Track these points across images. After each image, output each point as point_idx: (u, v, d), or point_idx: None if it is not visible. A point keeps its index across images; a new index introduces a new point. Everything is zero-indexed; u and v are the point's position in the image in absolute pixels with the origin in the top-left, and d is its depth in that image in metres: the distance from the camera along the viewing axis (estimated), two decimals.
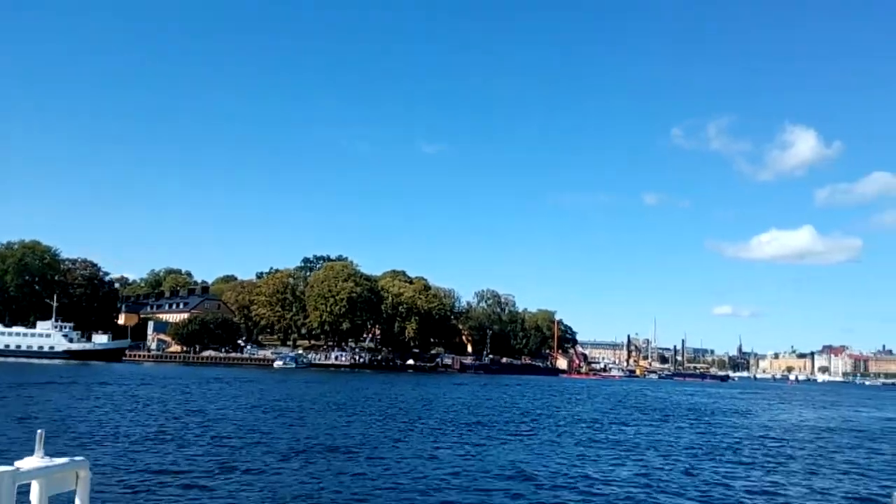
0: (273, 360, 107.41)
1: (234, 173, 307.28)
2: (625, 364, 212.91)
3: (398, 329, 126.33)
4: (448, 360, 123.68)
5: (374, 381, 73.45)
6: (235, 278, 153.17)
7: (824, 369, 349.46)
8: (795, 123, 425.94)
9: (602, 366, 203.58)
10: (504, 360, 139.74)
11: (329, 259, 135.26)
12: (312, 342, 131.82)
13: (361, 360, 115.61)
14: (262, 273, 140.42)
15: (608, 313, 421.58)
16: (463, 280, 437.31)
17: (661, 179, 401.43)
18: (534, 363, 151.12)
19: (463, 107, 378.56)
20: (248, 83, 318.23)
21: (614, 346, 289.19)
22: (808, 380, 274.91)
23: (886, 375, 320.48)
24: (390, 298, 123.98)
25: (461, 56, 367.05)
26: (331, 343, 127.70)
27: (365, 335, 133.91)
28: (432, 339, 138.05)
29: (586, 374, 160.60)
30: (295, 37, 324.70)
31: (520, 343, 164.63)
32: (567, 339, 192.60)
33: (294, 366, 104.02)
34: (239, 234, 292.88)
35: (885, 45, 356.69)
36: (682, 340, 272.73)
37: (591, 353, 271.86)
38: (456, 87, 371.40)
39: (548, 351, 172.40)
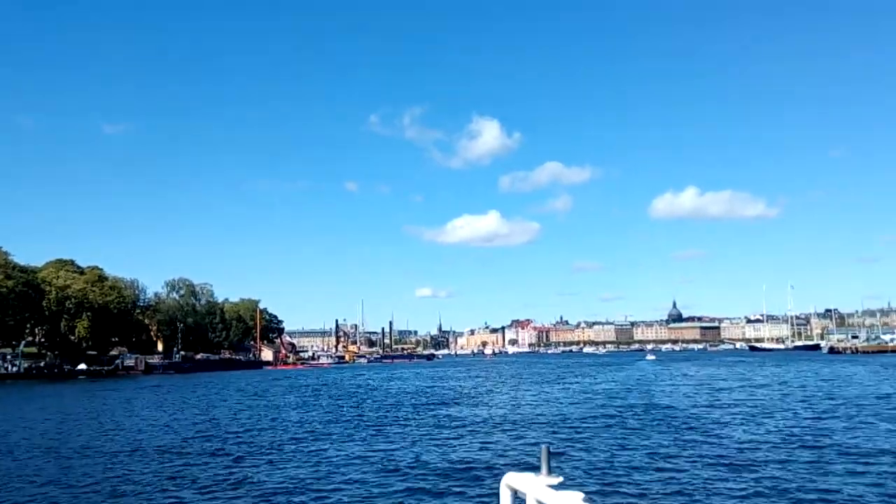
0: None
1: None
2: (334, 351, 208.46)
3: (66, 328, 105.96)
4: (131, 362, 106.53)
5: (8, 398, 57.47)
6: None
7: (513, 342, 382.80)
8: (482, 115, 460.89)
9: (311, 354, 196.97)
10: (199, 356, 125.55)
11: None
12: None
13: (15, 368, 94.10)
14: None
15: (316, 300, 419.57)
16: (152, 271, 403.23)
17: (361, 167, 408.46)
18: (235, 357, 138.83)
19: (160, 82, 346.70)
20: None
21: (323, 334, 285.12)
22: (499, 353, 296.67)
23: (565, 344, 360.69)
24: (54, 292, 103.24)
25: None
26: None
27: (24, 339, 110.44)
28: (113, 339, 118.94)
29: (294, 364, 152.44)
30: None
31: (219, 336, 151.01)
32: (273, 328, 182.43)
33: None
34: None
35: (565, 42, 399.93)
36: (390, 322, 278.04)
37: (300, 341, 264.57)
38: (154, 61, 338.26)
39: (251, 342, 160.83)
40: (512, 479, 3.69)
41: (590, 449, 20.66)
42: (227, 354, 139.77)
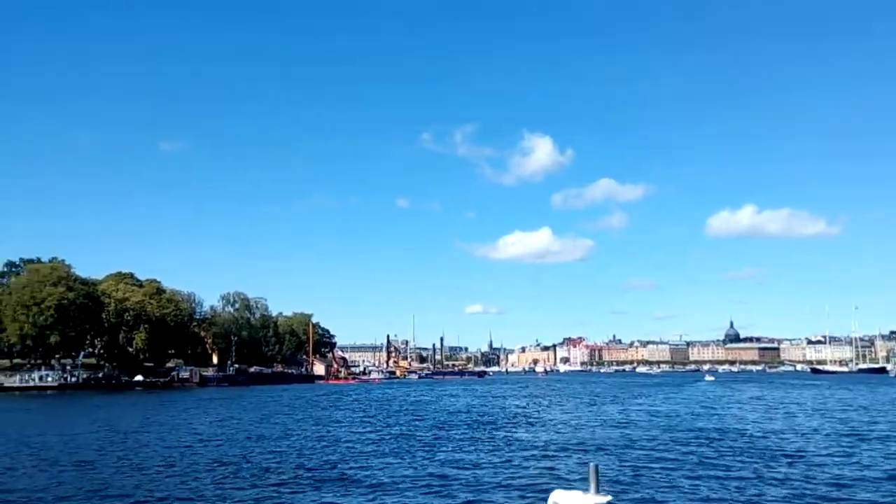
0: None
1: None
2: (385, 366, 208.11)
3: (124, 340, 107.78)
4: (186, 374, 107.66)
5: (66, 407, 58.06)
6: None
7: (565, 360, 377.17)
8: (533, 131, 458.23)
9: (362, 369, 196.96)
10: (253, 369, 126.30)
11: (39, 262, 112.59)
12: (15, 361, 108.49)
13: (74, 379, 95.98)
14: None
15: (368, 316, 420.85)
16: (209, 285, 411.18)
17: (412, 183, 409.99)
18: (287, 370, 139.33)
19: (203, 103, 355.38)
20: None
21: (374, 349, 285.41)
22: (551, 370, 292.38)
23: (618, 363, 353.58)
24: (113, 305, 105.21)
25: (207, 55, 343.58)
26: (38, 361, 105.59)
27: (83, 349, 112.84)
28: (170, 351, 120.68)
29: (345, 378, 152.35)
30: None
31: (272, 349, 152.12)
32: (325, 342, 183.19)
33: None
34: None
35: (618, 58, 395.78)
36: (441, 338, 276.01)
37: (351, 356, 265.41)
38: (198, 82, 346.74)
39: (304, 356, 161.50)
40: (559, 497, 3.70)
41: (666, 482, 18.89)
42: (279, 368, 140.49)
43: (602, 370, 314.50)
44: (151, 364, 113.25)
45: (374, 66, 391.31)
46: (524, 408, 51.96)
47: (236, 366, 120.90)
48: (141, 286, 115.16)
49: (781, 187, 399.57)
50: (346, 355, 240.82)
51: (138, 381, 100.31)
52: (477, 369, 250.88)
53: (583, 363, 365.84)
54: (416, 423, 38.82)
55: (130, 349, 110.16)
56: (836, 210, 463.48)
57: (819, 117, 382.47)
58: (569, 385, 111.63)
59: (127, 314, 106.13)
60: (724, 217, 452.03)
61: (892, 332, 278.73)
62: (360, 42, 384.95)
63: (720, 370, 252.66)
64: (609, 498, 3.54)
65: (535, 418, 41.22)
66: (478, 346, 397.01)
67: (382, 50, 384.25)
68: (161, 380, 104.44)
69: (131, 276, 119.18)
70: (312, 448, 27.17)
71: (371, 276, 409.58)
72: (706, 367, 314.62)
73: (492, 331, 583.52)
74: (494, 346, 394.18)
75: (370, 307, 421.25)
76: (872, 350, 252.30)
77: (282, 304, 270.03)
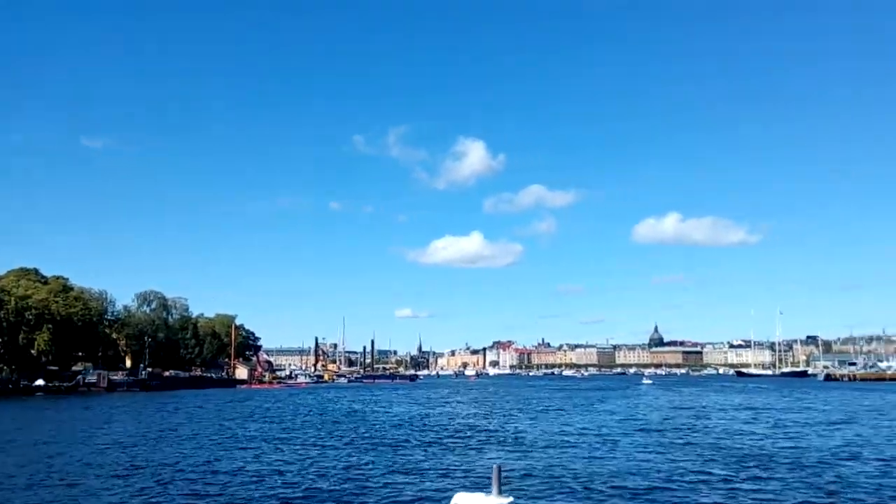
0: None
1: None
2: (312, 370, 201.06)
3: (25, 341, 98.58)
4: (93, 378, 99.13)
5: None
6: None
7: (495, 363, 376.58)
8: (467, 136, 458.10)
9: (288, 373, 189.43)
10: (168, 373, 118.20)
11: None
12: None
13: None
14: None
15: (297, 319, 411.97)
16: (126, 285, 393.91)
17: (345, 185, 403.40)
18: (206, 374, 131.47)
19: (126, 102, 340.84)
20: None
21: (302, 352, 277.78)
22: (482, 374, 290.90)
23: (546, 366, 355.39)
24: (13, 303, 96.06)
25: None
26: None
27: None
28: (77, 353, 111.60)
29: (270, 383, 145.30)
30: None
31: (192, 352, 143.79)
32: (249, 345, 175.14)
33: None
34: None
35: (551, 66, 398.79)
36: (372, 342, 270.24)
37: (278, 359, 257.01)
38: (117, 83, 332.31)
39: (226, 360, 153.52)
40: (462, 499, 3.71)
41: None
42: (198, 372, 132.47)
43: (531, 373, 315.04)
44: (56, 368, 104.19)
45: (306, 65, 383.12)
46: (486, 417, 47.32)
47: (149, 369, 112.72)
48: (46, 283, 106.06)
49: (705, 196, 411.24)
50: (273, 359, 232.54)
51: (39, 387, 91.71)
52: (408, 373, 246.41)
53: (512, 366, 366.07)
54: (359, 442, 32.41)
55: (32, 351, 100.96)
56: (758, 219, 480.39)
57: (742, 130, 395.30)
58: (508, 389, 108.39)
59: (28, 313, 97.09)
60: (650, 224, 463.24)
61: (809, 337, 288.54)
62: (291, 40, 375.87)
63: (646, 373, 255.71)
64: (511, 499, 3.38)
65: (505, 434, 34.79)
66: (407, 349, 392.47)
67: (313, 50, 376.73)
68: (65, 384, 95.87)
69: (35, 272, 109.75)
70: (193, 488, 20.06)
71: (301, 278, 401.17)
72: (632, 370, 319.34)
73: (421, 334, 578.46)
74: (424, 349, 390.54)
75: (299, 310, 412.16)
76: (791, 354, 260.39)
77: (205, 306, 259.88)
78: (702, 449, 26.68)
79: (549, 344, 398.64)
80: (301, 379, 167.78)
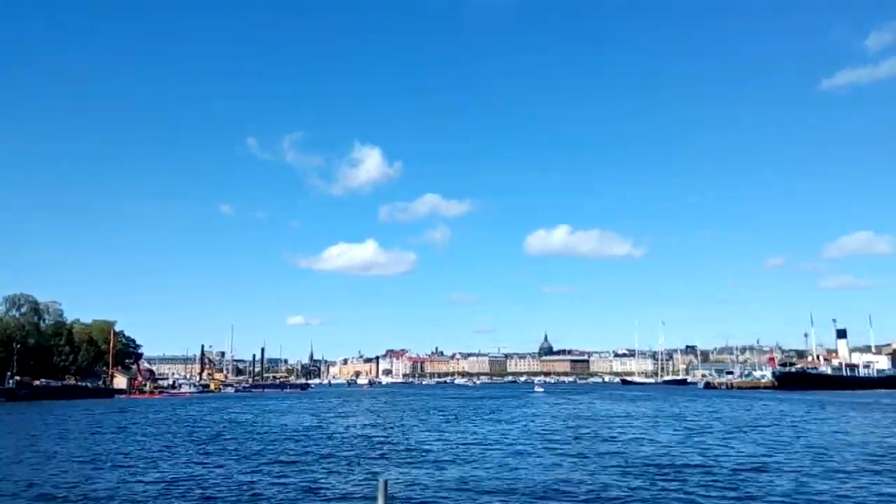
0: None
1: None
2: (198, 378, 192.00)
3: None
4: None
5: None
6: None
7: (388, 372, 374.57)
8: (363, 142, 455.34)
9: (171, 382, 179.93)
10: (38, 381, 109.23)
11: None
12: None
13: None
14: None
15: (183, 326, 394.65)
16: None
17: (237, 189, 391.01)
18: (82, 384, 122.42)
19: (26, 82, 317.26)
20: None
21: (187, 360, 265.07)
22: (375, 382, 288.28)
23: (440, 374, 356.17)
24: None
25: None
26: None
27: None
28: None
29: (151, 392, 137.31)
30: None
31: (66, 360, 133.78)
32: (129, 353, 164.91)
33: None
34: None
35: (447, 75, 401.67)
36: (262, 350, 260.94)
37: (161, 368, 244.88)
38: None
39: (103, 368, 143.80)
40: None
41: None
42: (72, 381, 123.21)
43: (424, 382, 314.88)
44: None
45: (200, 63, 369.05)
46: (383, 427, 45.50)
47: (17, 378, 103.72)
48: None
49: (592, 210, 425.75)
50: (155, 367, 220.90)
51: None
52: (299, 381, 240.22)
53: (405, 375, 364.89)
54: (248, 458, 30.53)
55: None
56: (641, 233, 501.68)
57: (628, 148, 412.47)
58: (402, 399, 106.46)
59: None
60: (541, 236, 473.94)
61: (688, 347, 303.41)
62: (187, 39, 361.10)
63: (537, 381, 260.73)
64: None
65: (406, 445, 33.36)
66: (299, 357, 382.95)
67: (209, 52, 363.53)
68: None
69: None
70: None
71: (188, 284, 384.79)
72: (523, 378, 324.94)
73: (313, 342, 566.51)
74: (316, 357, 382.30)
75: (185, 317, 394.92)
76: (672, 363, 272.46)
77: (83, 311, 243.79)
78: (613, 459, 26.08)
79: (442, 353, 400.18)
80: (185, 388, 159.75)
